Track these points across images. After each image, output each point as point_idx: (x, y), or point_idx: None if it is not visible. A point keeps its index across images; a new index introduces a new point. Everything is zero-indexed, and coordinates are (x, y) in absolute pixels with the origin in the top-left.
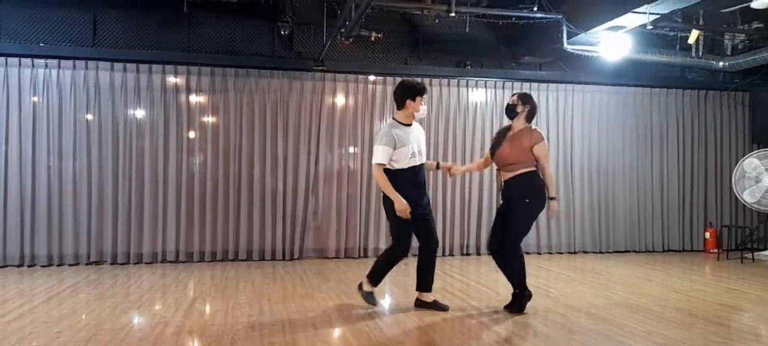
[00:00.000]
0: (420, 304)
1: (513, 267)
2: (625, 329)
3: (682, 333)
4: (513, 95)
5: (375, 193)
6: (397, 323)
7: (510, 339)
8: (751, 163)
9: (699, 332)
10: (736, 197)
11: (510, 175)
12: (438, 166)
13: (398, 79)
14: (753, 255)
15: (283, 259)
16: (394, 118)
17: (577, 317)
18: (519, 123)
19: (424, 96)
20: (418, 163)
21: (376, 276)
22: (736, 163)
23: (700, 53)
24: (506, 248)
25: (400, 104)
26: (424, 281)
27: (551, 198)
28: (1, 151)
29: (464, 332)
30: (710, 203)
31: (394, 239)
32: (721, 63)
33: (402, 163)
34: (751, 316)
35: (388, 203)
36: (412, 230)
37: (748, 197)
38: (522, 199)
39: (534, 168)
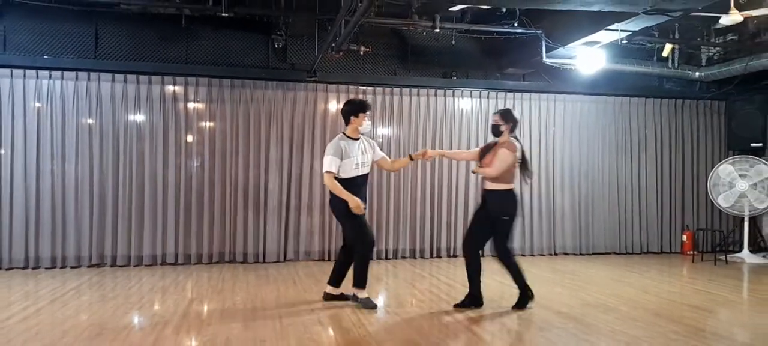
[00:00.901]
0: (329, 298)
1: (511, 271)
2: (592, 328)
3: (645, 332)
4: (495, 115)
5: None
6: (379, 322)
7: (481, 336)
8: (725, 169)
9: (660, 330)
10: (712, 202)
11: (488, 187)
12: (411, 158)
13: (387, 89)
14: (726, 257)
15: (277, 261)
16: (343, 132)
17: (548, 316)
18: (504, 137)
19: (367, 112)
20: (361, 173)
21: (360, 280)
22: (712, 169)
23: (677, 64)
24: (499, 257)
25: (347, 120)
26: (338, 279)
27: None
28: (6, 157)
29: (442, 329)
30: (687, 207)
31: (355, 239)
32: (697, 73)
33: (347, 173)
34: (714, 316)
35: (337, 207)
36: (366, 223)
37: (723, 201)
38: (500, 215)
39: (508, 186)
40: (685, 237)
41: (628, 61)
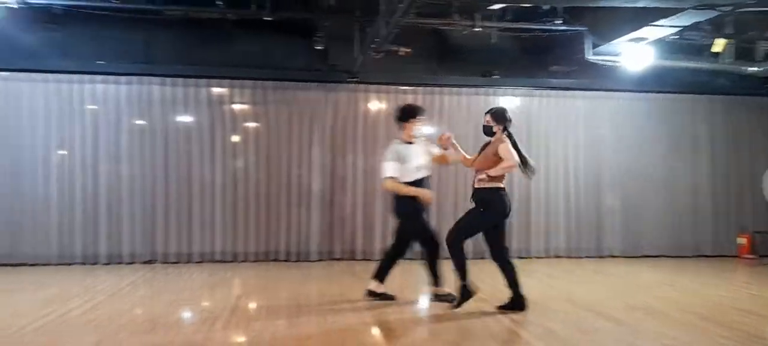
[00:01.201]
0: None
1: (456, 264)
2: (637, 331)
3: (692, 336)
4: (486, 115)
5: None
6: (422, 321)
7: (520, 335)
8: None
9: (708, 335)
10: None
11: (476, 183)
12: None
13: (427, 89)
14: None
15: (320, 260)
16: (396, 138)
17: (591, 319)
18: (497, 137)
19: (418, 117)
20: (422, 175)
21: (435, 276)
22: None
23: (731, 59)
24: (448, 243)
25: (400, 126)
26: (436, 277)
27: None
28: (66, 157)
29: (484, 329)
30: (745, 209)
31: (421, 239)
32: (752, 68)
33: (409, 176)
34: (765, 321)
35: (402, 210)
36: (428, 224)
37: None
38: (478, 207)
39: (495, 184)
40: (742, 240)
41: (678, 57)
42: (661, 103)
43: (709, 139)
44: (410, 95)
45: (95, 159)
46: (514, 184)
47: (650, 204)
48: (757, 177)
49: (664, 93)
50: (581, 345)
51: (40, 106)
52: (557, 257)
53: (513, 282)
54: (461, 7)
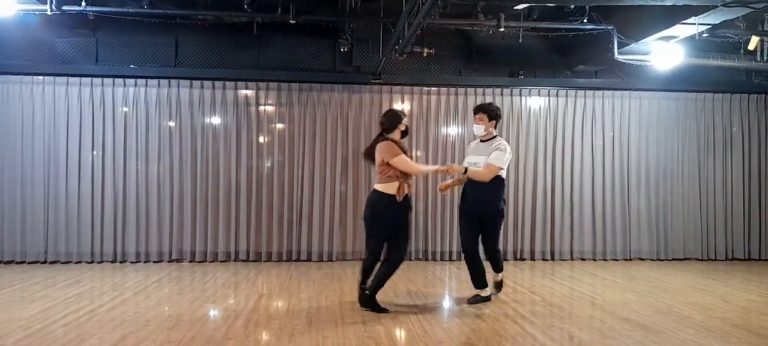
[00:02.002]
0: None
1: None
2: (661, 336)
3: (718, 342)
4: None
5: (434, 196)
6: (438, 323)
7: (539, 339)
8: None
9: (735, 342)
10: None
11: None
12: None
13: (452, 90)
14: None
15: (342, 260)
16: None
17: (615, 323)
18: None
19: (476, 115)
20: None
21: (478, 280)
22: None
23: (766, 57)
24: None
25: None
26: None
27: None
28: (98, 158)
29: (501, 332)
30: None
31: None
32: None
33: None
34: None
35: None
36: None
37: None
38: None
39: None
40: None
41: (711, 55)
42: (692, 103)
43: (742, 139)
44: (434, 96)
45: (126, 160)
46: (538, 185)
47: (680, 205)
48: None
49: (695, 92)
50: None
51: (74, 109)
52: (582, 259)
53: (379, 284)
54: (486, 7)
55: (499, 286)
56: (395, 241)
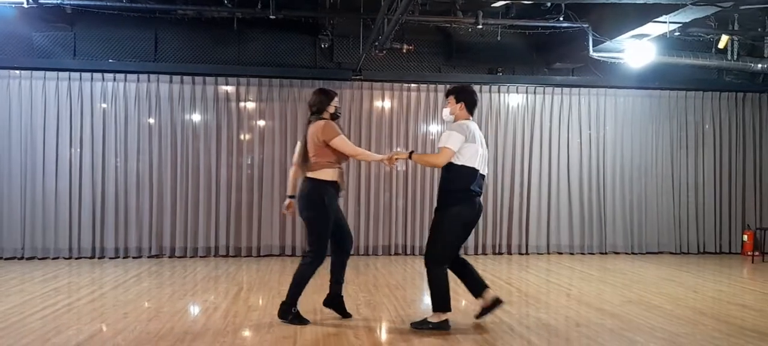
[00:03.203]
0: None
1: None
2: (631, 324)
3: (685, 329)
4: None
5: (413, 192)
6: (418, 313)
7: (514, 328)
8: None
9: (702, 329)
10: None
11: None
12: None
13: (431, 86)
14: None
15: None
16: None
17: (587, 312)
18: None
19: (446, 99)
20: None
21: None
22: None
23: (736, 56)
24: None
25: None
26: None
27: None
28: (76, 154)
29: (477, 326)
30: (749, 206)
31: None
32: (759, 65)
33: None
34: (764, 316)
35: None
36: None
37: None
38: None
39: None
40: (745, 237)
41: (683, 54)
42: (666, 100)
43: (714, 136)
44: (414, 92)
45: (104, 155)
46: (516, 180)
47: (654, 201)
48: (761, 174)
49: (669, 90)
50: (575, 338)
51: (51, 104)
52: (559, 253)
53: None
54: (465, 4)
55: (424, 325)
56: (341, 231)
